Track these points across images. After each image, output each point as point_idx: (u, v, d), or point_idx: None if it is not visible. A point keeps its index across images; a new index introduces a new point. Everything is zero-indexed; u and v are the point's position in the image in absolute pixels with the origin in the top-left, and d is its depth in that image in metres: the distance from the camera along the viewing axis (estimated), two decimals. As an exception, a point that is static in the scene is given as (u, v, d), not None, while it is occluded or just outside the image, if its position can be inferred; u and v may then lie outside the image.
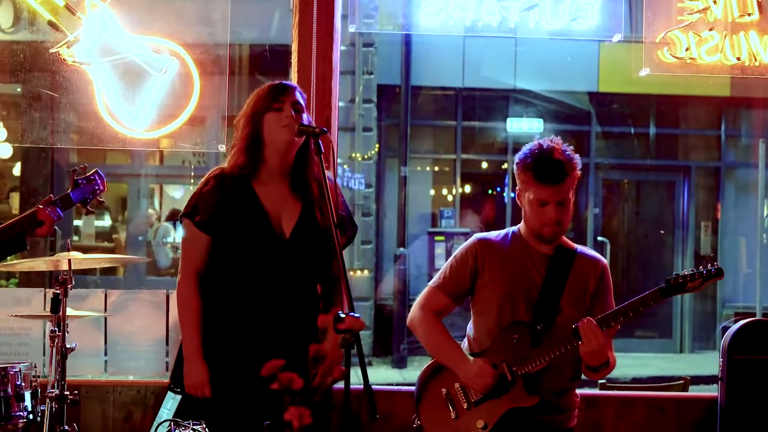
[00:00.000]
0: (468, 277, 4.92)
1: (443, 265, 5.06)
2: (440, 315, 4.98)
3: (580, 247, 4.99)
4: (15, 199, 16.47)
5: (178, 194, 18.08)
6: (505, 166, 17.49)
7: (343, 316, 3.90)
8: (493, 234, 5.01)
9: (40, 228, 4.91)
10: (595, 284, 4.89)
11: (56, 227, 14.27)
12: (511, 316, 4.81)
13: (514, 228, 4.99)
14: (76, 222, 16.56)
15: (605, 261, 5.04)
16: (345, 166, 15.93)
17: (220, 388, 4.57)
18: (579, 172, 4.82)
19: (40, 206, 4.92)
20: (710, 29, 6.49)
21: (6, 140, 14.63)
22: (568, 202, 4.76)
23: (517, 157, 4.86)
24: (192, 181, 16.09)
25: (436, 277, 5.03)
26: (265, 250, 4.55)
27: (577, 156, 4.82)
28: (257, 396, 4.31)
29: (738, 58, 6.51)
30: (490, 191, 18.05)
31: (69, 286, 5.40)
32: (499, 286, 4.84)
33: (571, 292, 4.82)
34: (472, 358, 4.84)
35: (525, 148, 4.84)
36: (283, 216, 4.59)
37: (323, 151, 4.28)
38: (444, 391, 4.88)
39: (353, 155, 16.06)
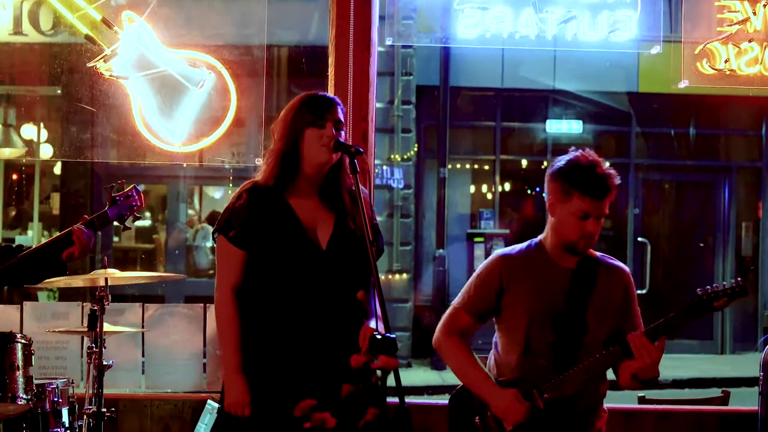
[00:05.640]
0: (493, 296, 4.82)
1: (465, 285, 4.96)
2: (465, 336, 4.89)
3: (601, 255, 4.88)
4: (56, 199, 16.55)
5: (218, 195, 18.17)
6: (545, 166, 17.40)
7: (379, 337, 3.90)
8: (515, 249, 4.89)
9: (71, 248, 4.77)
10: (622, 297, 4.82)
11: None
12: (538, 337, 4.73)
13: (536, 239, 4.87)
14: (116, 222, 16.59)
15: (628, 270, 4.95)
16: (384, 167, 15.92)
17: (259, 408, 4.50)
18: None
19: (76, 227, 4.82)
20: (750, 41, 6.47)
21: (47, 141, 14.72)
22: (604, 216, 4.68)
23: (554, 167, 4.73)
24: (231, 182, 16.12)
25: (459, 297, 4.93)
26: (304, 261, 4.47)
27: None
28: (295, 422, 4.27)
29: (778, 69, 6.49)
30: (529, 192, 17.98)
31: (106, 303, 5.44)
32: (525, 306, 4.75)
33: (597, 308, 4.73)
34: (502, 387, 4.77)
35: (564, 159, 4.71)
36: (318, 227, 4.52)
37: (359, 170, 4.26)
38: (477, 420, 4.81)
39: (392, 156, 16.03)
